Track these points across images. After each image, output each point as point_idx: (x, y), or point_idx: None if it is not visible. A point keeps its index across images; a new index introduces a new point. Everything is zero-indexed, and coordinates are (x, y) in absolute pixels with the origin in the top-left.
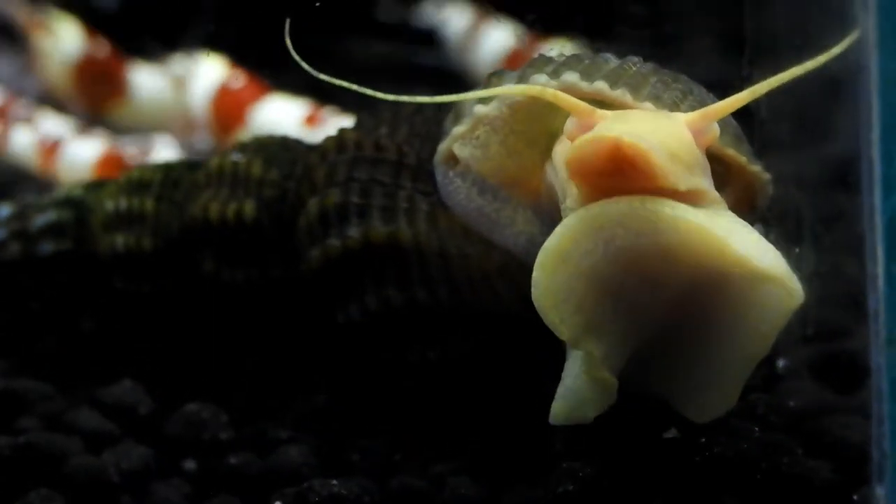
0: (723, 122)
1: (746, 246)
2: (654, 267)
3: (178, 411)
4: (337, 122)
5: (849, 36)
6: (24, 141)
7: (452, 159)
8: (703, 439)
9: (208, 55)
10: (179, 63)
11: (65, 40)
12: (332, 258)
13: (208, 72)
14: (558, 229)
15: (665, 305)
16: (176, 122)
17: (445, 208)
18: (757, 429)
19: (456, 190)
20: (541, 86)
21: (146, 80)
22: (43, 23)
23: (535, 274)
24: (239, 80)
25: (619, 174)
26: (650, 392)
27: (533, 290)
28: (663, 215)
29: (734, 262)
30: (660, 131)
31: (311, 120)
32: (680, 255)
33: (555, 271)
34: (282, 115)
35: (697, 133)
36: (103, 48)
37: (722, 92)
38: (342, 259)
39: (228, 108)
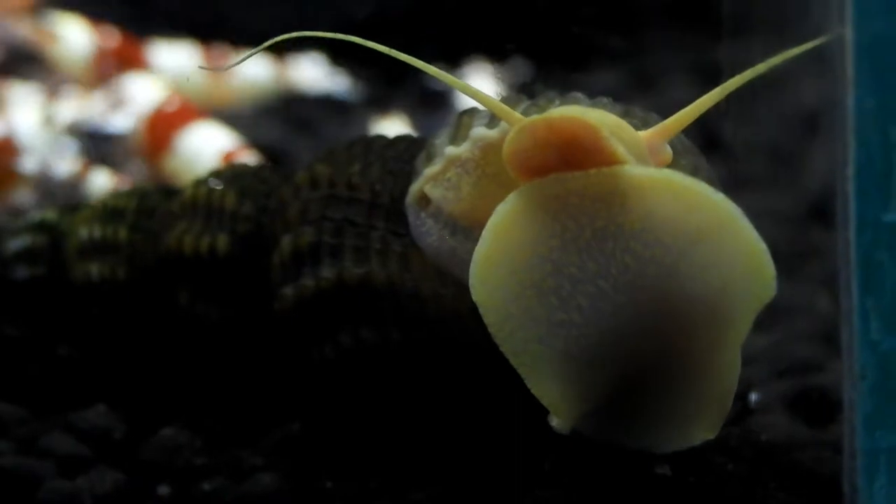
0: (694, 167)
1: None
2: (613, 239)
3: (153, 436)
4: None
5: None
6: None
7: (424, 200)
8: (675, 472)
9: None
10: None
11: None
12: (306, 298)
13: (145, 92)
14: (499, 207)
15: (624, 314)
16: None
17: (418, 249)
18: (729, 462)
19: (428, 231)
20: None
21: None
22: None
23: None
24: (173, 103)
25: (565, 159)
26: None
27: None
28: (624, 173)
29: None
30: (608, 119)
31: (228, 157)
32: (645, 212)
33: (496, 264)
34: (208, 141)
35: (652, 151)
36: None
37: (697, 124)
38: (315, 299)
39: (159, 132)
